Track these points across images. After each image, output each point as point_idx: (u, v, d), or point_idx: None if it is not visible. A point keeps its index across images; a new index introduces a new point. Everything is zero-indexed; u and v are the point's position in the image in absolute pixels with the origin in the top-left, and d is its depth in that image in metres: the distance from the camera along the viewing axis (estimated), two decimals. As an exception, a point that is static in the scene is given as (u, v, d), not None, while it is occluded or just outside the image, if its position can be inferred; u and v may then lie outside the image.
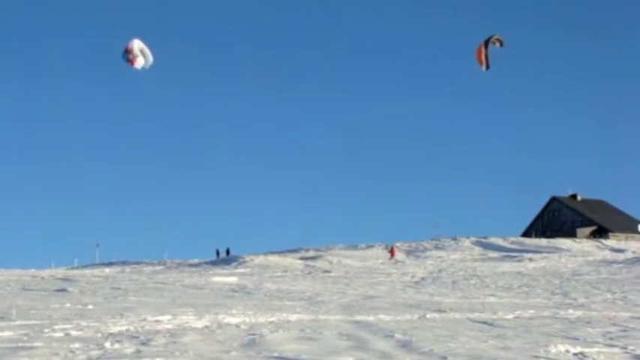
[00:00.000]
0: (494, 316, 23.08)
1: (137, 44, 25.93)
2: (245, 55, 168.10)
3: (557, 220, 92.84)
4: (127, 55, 25.93)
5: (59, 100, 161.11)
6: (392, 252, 61.14)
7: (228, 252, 65.00)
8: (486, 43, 28.21)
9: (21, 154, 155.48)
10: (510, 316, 23.15)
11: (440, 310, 24.81)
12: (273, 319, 20.56)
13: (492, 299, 30.35)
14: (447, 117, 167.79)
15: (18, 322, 18.05)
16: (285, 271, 47.18)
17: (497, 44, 28.88)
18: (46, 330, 16.66)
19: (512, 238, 76.27)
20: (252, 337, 16.47)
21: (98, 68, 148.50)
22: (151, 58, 26.14)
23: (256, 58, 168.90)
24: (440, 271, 47.24)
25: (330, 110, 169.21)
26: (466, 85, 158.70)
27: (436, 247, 68.01)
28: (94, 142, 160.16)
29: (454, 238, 73.49)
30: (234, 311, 22.28)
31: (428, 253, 63.55)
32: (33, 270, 44.12)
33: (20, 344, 14.52)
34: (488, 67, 28.34)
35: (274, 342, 15.73)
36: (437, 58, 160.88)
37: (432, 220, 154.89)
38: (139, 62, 25.90)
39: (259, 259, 56.04)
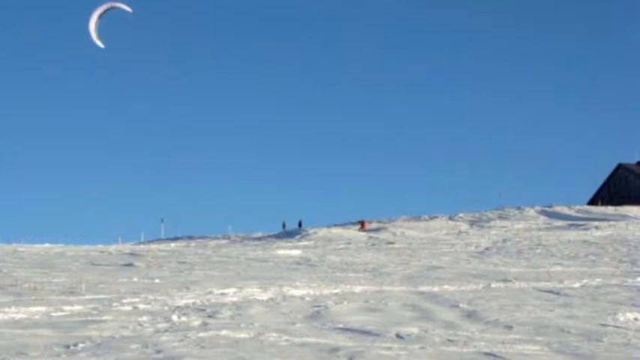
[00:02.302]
0: (561, 285, 22.89)
1: (94, 21, 25.58)
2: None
3: (624, 187, 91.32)
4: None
5: (111, 80, 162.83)
6: (362, 225, 61.69)
7: (300, 224, 65.14)
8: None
9: (85, 133, 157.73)
10: (577, 285, 22.94)
11: (505, 280, 24.67)
12: (337, 290, 20.64)
13: (558, 268, 30.08)
14: (510, 80, 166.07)
15: (87, 297, 18.36)
16: (349, 244, 47.24)
17: None
18: (114, 304, 16.93)
19: (577, 207, 75.18)
20: (316, 308, 16.55)
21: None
22: (126, 8, 25.58)
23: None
24: (504, 240, 46.90)
25: (394, 86, 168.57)
26: (531, 46, 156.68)
27: (500, 217, 67.40)
28: (158, 115, 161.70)
29: (518, 208, 72.74)
30: (298, 284, 22.40)
31: (492, 223, 63.06)
32: (100, 245, 44.76)
33: (90, 318, 14.78)
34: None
35: (339, 313, 15.79)
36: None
37: (495, 189, 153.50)
38: (99, 43, 25.76)
39: (322, 232, 56.19)
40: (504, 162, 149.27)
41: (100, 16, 25.46)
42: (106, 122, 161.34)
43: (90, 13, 25.57)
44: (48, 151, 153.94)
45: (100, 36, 25.76)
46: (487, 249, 41.73)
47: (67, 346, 11.20)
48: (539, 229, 57.41)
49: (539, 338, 12.66)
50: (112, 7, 25.55)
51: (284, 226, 65.02)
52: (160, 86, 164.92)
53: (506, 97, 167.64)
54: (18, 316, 14.88)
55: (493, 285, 23.01)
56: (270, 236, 58.74)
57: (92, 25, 25.43)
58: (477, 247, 43.34)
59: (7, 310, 15.66)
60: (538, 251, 39.55)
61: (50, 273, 24.70)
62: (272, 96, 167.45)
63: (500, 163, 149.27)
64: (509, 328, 13.86)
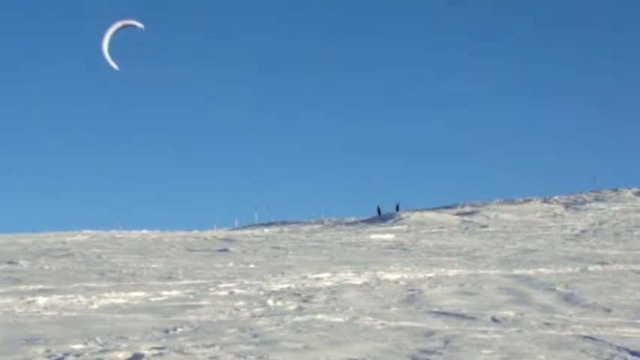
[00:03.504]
0: (661, 268, 22.41)
1: (107, 41, 25.41)
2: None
3: None
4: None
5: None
6: None
7: (397, 208, 64.83)
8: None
9: (180, 123, 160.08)
10: (678, 267, 22.43)
11: (602, 263, 24.25)
12: (431, 274, 20.58)
13: (658, 250, 29.46)
14: (608, 53, 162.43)
15: (184, 282, 18.68)
16: (442, 227, 46.99)
17: None
18: (211, 289, 17.19)
19: (677, 188, 73.26)
20: (411, 292, 16.54)
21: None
22: (138, 24, 25.46)
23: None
24: (601, 223, 46.06)
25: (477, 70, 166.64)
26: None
27: (596, 199, 66.14)
28: (256, 104, 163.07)
29: (615, 189, 71.25)
30: (392, 267, 22.40)
31: (587, 205, 61.95)
32: (196, 231, 45.43)
33: (187, 302, 15.04)
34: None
35: (434, 297, 15.75)
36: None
37: (590, 170, 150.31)
38: (114, 65, 25.63)
39: (415, 216, 56.00)
40: (600, 142, 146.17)
41: (113, 35, 25.54)
42: (203, 112, 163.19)
43: (102, 34, 25.68)
44: (145, 141, 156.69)
45: (114, 57, 25.80)
46: (583, 231, 41.07)
47: (166, 331, 11.42)
48: (637, 211, 56.21)
49: (639, 321, 12.43)
50: (124, 26, 25.61)
51: (379, 210, 64.64)
52: (249, 76, 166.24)
53: (601, 75, 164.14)
54: (118, 301, 15.23)
55: (590, 268, 22.64)
56: (363, 221, 58.78)
57: (105, 46, 25.53)
58: (572, 229, 42.68)
59: (107, 295, 16.05)
60: (636, 233, 38.76)
61: (148, 259, 25.20)
62: (364, 73, 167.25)
63: (596, 143, 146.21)
64: (608, 311, 13.63)
